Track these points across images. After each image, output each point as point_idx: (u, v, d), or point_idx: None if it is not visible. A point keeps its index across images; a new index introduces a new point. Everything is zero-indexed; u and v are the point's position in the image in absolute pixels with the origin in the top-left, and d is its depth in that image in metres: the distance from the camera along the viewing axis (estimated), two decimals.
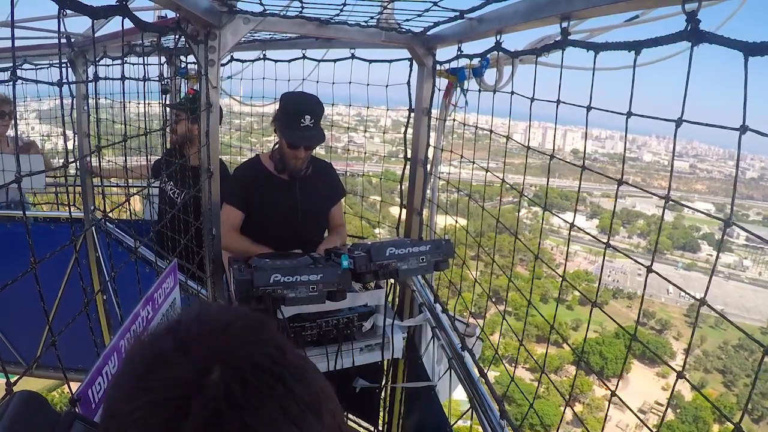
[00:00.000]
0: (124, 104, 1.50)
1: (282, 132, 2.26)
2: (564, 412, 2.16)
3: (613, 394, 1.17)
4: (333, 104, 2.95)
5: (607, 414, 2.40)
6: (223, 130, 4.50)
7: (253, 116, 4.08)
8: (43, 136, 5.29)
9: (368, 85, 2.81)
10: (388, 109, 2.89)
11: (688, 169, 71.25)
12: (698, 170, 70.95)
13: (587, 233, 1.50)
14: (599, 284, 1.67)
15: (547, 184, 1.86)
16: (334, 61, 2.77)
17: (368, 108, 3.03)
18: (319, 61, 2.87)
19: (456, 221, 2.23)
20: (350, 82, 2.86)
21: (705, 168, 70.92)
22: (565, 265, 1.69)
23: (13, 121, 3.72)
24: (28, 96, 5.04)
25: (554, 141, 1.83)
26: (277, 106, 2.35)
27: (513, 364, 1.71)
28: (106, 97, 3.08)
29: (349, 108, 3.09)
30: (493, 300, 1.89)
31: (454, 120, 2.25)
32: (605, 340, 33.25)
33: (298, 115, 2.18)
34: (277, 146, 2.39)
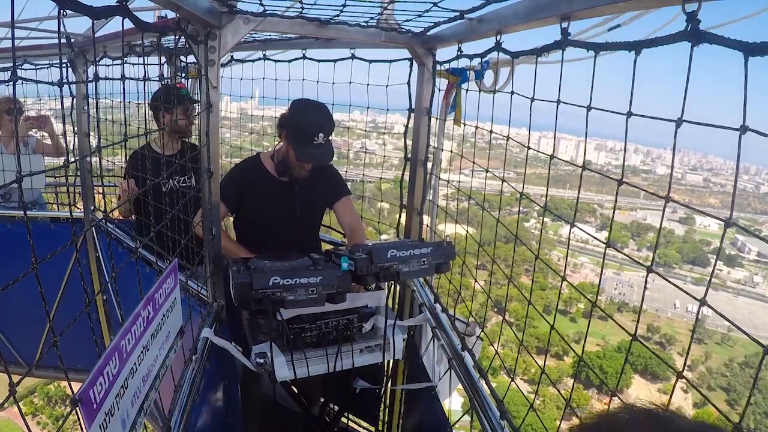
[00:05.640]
0: (124, 104, 1.50)
1: (293, 145, 2.23)
2: (560, 425, 2.14)
3: (614, 394, 1.18)
4: (351, 106, 2.96)
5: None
6: (235, 134, 4.51)
7: (266, 119, 4.08)
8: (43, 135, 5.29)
9: (368, 85, 2.81)
10: (388, 110, 2.89)
11: (702, 182, 70.20)
12: (712, 184, 69.80)
13: (586, 232, 1.51)
14: (599, 283, 1.66)
15: (548, 183, 1.86)
16: (334, 61, 2.77)
17: (368, 108, 3.03)
18: (319, 61, 2.88)
19: (456, 225, 2.23)
20: (350, 82, 2.87)
21: (719, 182, 69.63)
22: (566, 266, 1.69)
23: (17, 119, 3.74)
24: (28, 96, 5.05)
25: (554, 144, 1.83)
26: (286, 111, 2.31)
27: (511, 375, 1.70)
28: (106, 97, 3.09)
29: (367, 113, 3.08)
30: (495, 309, 1.88)
31: (464, 124, 2.24)
32: (606, 354, 32.65)
33: (313, 133, 2.16)
34: (279, 148, 2.39)
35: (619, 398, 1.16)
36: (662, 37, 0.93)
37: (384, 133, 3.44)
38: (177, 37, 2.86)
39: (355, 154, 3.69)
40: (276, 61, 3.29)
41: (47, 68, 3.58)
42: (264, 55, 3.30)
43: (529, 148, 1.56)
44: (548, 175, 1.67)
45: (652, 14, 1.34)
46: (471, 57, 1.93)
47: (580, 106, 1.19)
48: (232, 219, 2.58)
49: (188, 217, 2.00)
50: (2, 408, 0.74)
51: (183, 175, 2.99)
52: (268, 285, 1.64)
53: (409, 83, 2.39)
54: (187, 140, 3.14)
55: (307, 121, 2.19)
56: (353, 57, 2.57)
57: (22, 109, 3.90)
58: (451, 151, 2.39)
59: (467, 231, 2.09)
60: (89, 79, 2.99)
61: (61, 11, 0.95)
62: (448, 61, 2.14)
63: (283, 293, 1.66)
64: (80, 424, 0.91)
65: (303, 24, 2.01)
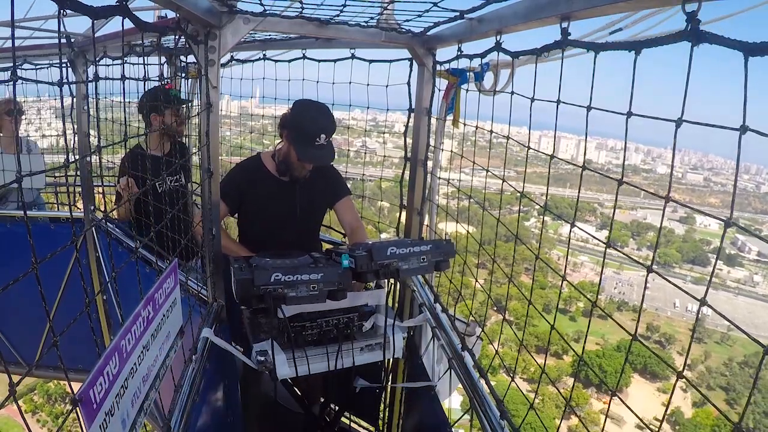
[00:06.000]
0: (124, 104, 1.50)
1: (295, 146, 2.23)
2: (560, 424, 2.16)
3: (614, 393, 1.18)
4: (351, 106, 2.96)
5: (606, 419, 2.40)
6: (236, 132, 4.53)
7: (266, 117, 4.09)
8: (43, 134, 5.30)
9: (368, 85, 2.81)
10: (388, 110, 2.89)
11: (702, 182, 70.01)
12: (712, 183, 69.64)
13: (586, 232, 1.50)
14: (599, 283, 1.67)
15: (548, 182, 1.86)
16: (334, 61, 2.77)
17: (368, 108, 3.02)
18: (319, 61, 2.87)
19: (457, 224, 2.23)
20: (350, 82, 2.86)
21: (719, 181, 69.39)
22: (566, 265, 1.69)
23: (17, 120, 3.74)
24: (28, 96, 5.06)
25: (554, 145, 1.83)
26: (288, 111, 2.31)
27: (510, 374, 1.70)
28: (106, 97, 3.09)
29: (367, 112, 3.07)
30: (495, 308, 1.89)
31: (464, 124, 2.24)
32: (606, 353, 32.73)
33: (315, 134, 2.17)
34: (279, 147, 2.39)
35: (619, 398, 1.16)
36: (662, 37, 0.93)
37: (384, 132, 3.44)
38: (177, 37, 2.86)
39: (355, 153, 3.69)
40: (276, 61, 3.29)
41: (47, 68, 3.58)
42: (264, 55, 3.30)
43: (529, 148, 1.56)
44: (548, 174, 1.67)
45: (652, 15, 1.34)
46: (471, 57, 1.93)
47: (580, 106, 1.19)
48: (236, 220, 2.58)
49: (185, 215, 2.01)
50: (2, 406, 0.74)
51: (174, 175, 3.01)
52: (270, 281, 1.65)
53: (409, 83, 2.39)
54: (184, 140, 3.16)
55: (309, 122, 2.20)
56: (353, 57, 2.56)
57: (22, 109, 3.90)
58: (452, 151, 2.38)
59: (467, 230, 2.09)
60: (89, 79, 2.99)
61: (61, 11, 0.95)
62: (448, 61, 2.14)
63: (285, 289, 1.67)
64: (80, 423, 0.91)
65: (303, 24, 2.01)
